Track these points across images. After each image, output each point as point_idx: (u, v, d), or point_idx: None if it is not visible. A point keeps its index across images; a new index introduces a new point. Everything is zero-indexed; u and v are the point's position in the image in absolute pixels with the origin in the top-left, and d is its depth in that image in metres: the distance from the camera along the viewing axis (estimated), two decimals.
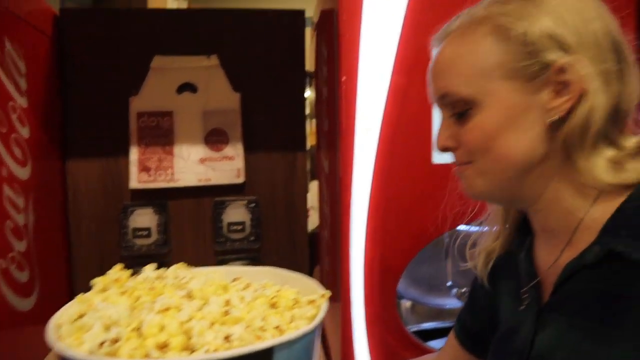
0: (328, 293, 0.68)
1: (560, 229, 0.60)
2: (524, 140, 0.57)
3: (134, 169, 1.64)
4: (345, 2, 1.08)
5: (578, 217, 0.57)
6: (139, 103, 1.65)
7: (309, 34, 1.85)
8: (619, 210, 0.54)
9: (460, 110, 0.61)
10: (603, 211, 0.56)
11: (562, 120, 0.56)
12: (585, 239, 0.56)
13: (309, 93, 1.90)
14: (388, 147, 1.10)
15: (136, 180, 1.64)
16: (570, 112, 0.55)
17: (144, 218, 1.68)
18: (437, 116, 1.11)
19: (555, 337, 0.57)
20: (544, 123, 0.56)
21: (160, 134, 1.67)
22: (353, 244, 1.10)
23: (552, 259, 0.61)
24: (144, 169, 1.65)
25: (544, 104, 0.56)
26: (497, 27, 0.57)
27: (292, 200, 1.79)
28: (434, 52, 0.66)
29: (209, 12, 1.77)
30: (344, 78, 1.09)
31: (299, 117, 1.78)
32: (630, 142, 0.56)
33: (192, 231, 1.73)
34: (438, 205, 1.14)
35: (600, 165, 0.55)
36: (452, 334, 0.84)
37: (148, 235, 1.67)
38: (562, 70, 0.55)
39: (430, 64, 0.66)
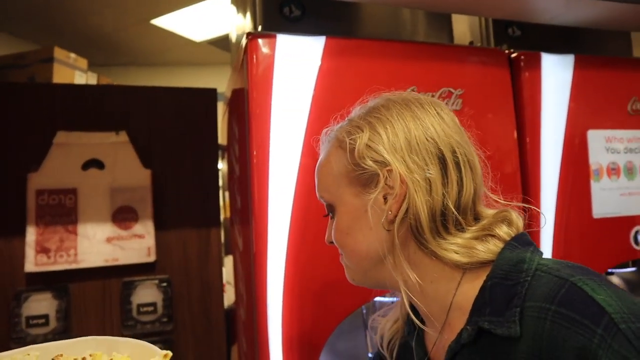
0: (170, 354, 0.63)
1: (436, 311, 0.65)
2: (369, 236, 0.65)
3: (30, 251, 1.52)
4: (255, 81, 1.12)
5: (448, 299, 0.63)
6: (39, 180, 1.56)
7: (221, 108, 1.88)
8: (481, 290, 0.60)
9: (329, 212, 0.71)
10: (470, 290, 0.62)
11: (395, 218, 0.63)
12: (459, 318, 0.62)
13: (221, 165, 1.90)
14: (301, 223, 1.12)
15: (32, 263, 1.51)
16: (398, 212, 0.63)
17: (40, 304, 1.53)
18: None
19: None
20: (383, 221, 0.64)
21: (63, 212, 1.57)
22: (270, 322, 1.08)
23: (435, 339, 0.66)
24: (43, 250, 1.53)
25: (380, 205, 0.64)
26: (341, 142, 0.68)
27: (207, 277, 1.74)
28: None
29: (118, 88, 1.75)
30: (255, 153, 1.11)
31: (212, 191, 1.77)
32: (469, 232, 0.63)
33: (98, 316, 1.60)
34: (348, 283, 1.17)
35: (453, 250, 0.62)
36: None
37: (45, 324, 1.52)
38: (385, 177, 0.63)
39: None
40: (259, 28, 1.21)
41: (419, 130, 0.64)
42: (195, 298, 1.70)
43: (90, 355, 0.64)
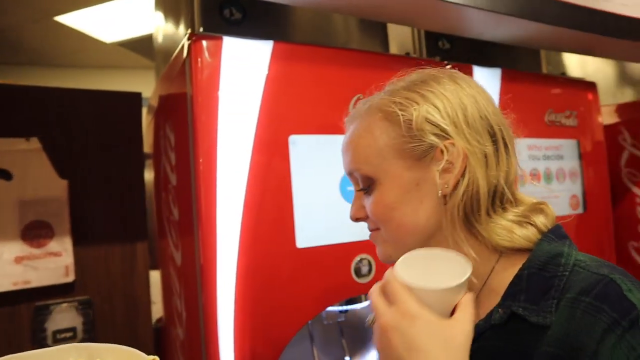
0: (156, 359, 0.59)
1: None
2: (419, 211, 0.64)
3: None
4: (201, 86, 1.06)
5: (482, 280, 0.64)
6: None
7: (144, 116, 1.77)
8: (517, 277, 0.61)
9: (366, 186, 0.67)
10: (504, 275, 0.62)
11: (452, 193, 0.62)
12: (490, 300, 0.63)
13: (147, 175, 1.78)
14: (251, 233, 1.07)
15: None
16: (456, 186, 0.62)
17: None
18: (299, 199, 1.13)
19: None
20: (436, 196, 0.63)
21: None
22: (222, 341, 1.01)
23: None
24: None
25: (434, 179, 0.63)
26: (389, 114, 0.65)
27: (133, 295, 1.60)
28: (346, 132, 0.73)
29: (27, 90, 1.57)
30: (201, 160, 1.05)
31: (138, 203, 1.64)
32: (511, 214, 0.64)
33: (3, 347, 1.41)
34: (306, 289, 1.13)
35: (497, 232, 0.62)
36: None
37: None
38: (444, 151, 0.62)
39: (342, 143, 0.72)
40: (200, 30, 1.15)
41: (473, 106, 0.64)
42: (121, 319, 1.56)
43: None
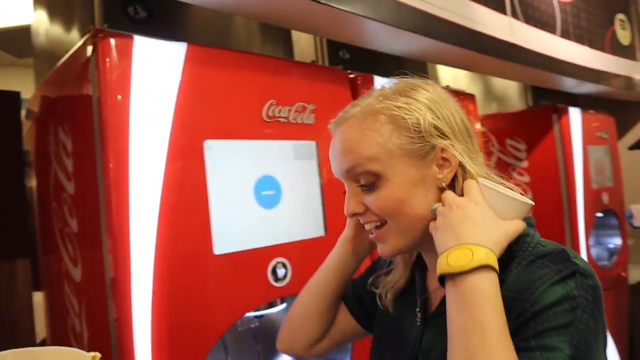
0: (98, 355, 0.57)
1: None
2: (425, 202, 0.72)
3: None
4: (110, 88, 0.99)
5: None
6: None
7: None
8: None
9: (368, 182, 0.73)
10: None
11: (449, 186, 0.73)
12: None
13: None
14: (167, 242, 1.02)
15: None
16: (454, 179, 0.73)
17: None
18: (215, 205, 1.11)
19: (437, 334, 0.72)
20: (437, 188, 0.73)
21: None
22: (138, 359, 0.95)
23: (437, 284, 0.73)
24: None
25: (434, 174, 0.72)
26: (394, 117, 0.72)
27: (13, 317, 1.43)
28: (335, 134, 0.76)
29: None
30: (111, 167, 0.98)
31: (19, 215, 1.47)
32: None
33: None
34: (224, 297, 1.11)
35: None
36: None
37: None
38: (443, 150, 0.72)
39: (334, 143, 0.76)
40: (105, 27, 1.07)
41: (459, 110, 0.75)
42: None
43: None
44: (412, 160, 0.72)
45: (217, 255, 1.10)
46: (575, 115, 2.49)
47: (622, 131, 3.24)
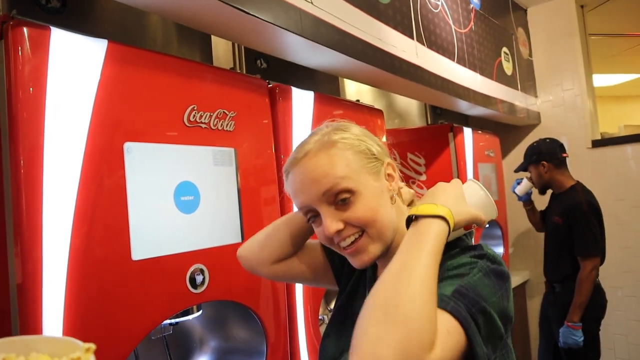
0: (93, 346, 0.56)
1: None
2: (389, 209, 0.87)
3: None
4: (23, 80, 0.92)
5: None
6: None
7: None
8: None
9: (342, 198, 0.83)
10: None
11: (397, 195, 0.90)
12: None
13: None
14: (83, 247, 0.97)
15: None
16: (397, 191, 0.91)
17: None
18: (134, 210, 1.07)
19: None
20: (391, 198, 0.88)
21: None
22: None
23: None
24: None
25: (387, 187, 0.88)
26: (350, 145, 0.87)
27: None
28: (295, 171, 0.86)
29: None
30: (22, 163, 0.92)
31: None
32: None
33: None
34: (142, 303, 1.08)
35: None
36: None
37: None
38: (387, 167, 0.89)
39: (300, 177, 0.85)
40: (14, 14, 1.00)
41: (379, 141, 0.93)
42: None
43: (4, 359, 0.52)
44: (372, 176, 0.86)
45: (135, 261, 1.06)
46: (468, 134, 2.74)
47: (505, 151, 3.62)
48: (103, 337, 1.00)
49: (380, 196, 0.85)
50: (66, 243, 0.95)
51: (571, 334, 2.46)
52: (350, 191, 0.83)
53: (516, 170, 2.90)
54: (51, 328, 0.91)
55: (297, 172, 0.85)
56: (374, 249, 0.85)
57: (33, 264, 0.90)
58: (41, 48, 0.96)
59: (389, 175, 0.89)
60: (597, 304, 2.55)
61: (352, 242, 0.84)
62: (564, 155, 2.72)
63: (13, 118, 0.92)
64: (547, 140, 2.78)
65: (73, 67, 1.00)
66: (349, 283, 1.01)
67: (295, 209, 0.93)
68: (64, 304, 0.93)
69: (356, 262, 0.86)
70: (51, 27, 0.98)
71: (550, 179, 2.71)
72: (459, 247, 0.83)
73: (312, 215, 0.86)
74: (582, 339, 2.45)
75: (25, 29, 0.95)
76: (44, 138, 0.94)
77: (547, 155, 2.70)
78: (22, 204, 0.91)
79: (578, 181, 2.70)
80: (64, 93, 0.98)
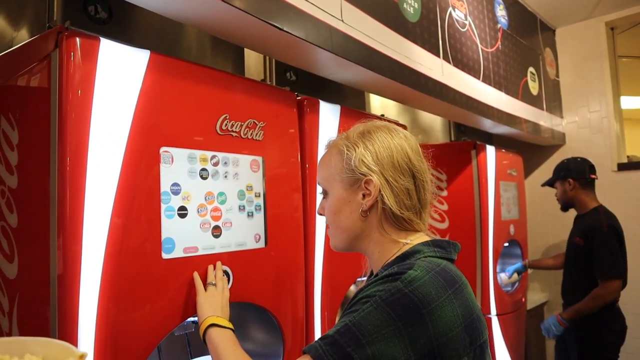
0: (85, 353, 0.59)
1: (375, 267, 0.97)
2: (349, 218, 0.95)
3: None
4: (73, 85, 1.00)
5: (385, 260, 0.94)
6: None
7: None
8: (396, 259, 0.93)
9: (324, 194, 1.00)
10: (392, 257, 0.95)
11: (369, 210, 0.93)
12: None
13: None
14: (118, 242, 1.03)
15: None
16: (372, 207, 0.93)
17: None
18: (165, 208, 1.14)
19: None
20: (359, 212, 0.93)
21: None
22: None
23: None
24: None
25: (359, 199, 0.93)
26: (340, 151, 0.96)
27: None
28: None
29: None
30: (68, 160, 0.99)
31: None
32: (403, 235, 0.94)
33: None
34: (170, 300, 1.14)
35: (394, 238, 0.94)
36: None
37: None
38: (367, 182, 0.91)
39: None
40: (67, 24, 1.08)
41: (399, 152, 0.92)
42: None
43: None
44: (344, 185, 0.94)
45: (165, 259, 1.12)
46: (491, 152, 2.75)
47: (528, 170, 3.61)
48: (131, 330, 1.05)
49: (345, 204, 0.94)
50: (103, 238, 1.02)
51: (554, 325, 2.58)
52: (324, 191, 0.99)
53: (543, 185, 2.89)
54: (86, 318, 0.97)
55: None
56: (333, 242, 1.00)
57: (73, 256, 0.97)
58: (91, 56, 1.03)
59: (367, 190, 0.91)
60: (615, 330, 2.52)
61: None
62: (592, 176, 2.70)
63: (62, 118, 1.00)
64: (579, 159, 2.77)
65: (118, 75, 1.08)
66: None
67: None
68: (98, 296, 1.00)
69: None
70: (100, 38, 1.06)
71: (574, 197, 2.69)
72: (397, 264, 0.86)
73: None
74: (561, 334, 2.58)
75: (77, 39, 1.02)
76: (89, 138, 1.01)
77: (575, 173, 2.69)
78: (66, 199, 0.98)
79: (601, 204, 2.68)
80: (109, 98, 1.05)
